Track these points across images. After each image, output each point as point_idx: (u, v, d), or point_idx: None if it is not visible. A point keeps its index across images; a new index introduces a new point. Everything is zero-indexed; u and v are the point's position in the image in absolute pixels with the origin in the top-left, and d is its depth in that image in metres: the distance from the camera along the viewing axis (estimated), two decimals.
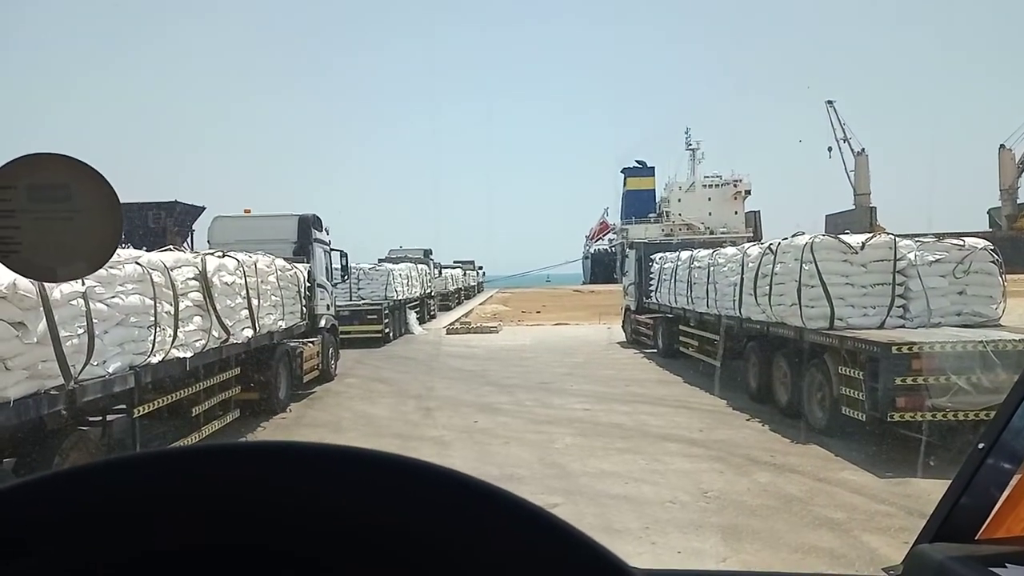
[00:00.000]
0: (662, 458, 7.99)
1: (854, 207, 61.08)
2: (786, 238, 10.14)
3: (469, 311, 35.83)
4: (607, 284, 55.19)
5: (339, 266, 16.19)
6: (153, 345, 6.87)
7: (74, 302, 5.60)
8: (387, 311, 21.63)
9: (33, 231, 1.07)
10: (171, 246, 8.97)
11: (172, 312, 7.28)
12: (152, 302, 6.85)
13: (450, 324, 27.45)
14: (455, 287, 42.40)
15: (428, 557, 0.50)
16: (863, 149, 61.54)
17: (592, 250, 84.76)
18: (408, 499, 0.50)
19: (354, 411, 11.51)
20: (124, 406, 6.75)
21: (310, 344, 12.69)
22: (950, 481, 1.30)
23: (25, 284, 4.96)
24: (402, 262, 27.06)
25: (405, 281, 24.97)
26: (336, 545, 0.51)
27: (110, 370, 6.19)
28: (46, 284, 5.10)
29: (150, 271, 6.92)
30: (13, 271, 1.15)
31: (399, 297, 23.67)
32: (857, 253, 9.24)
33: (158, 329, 6.95)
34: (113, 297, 6.25)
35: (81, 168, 1.09)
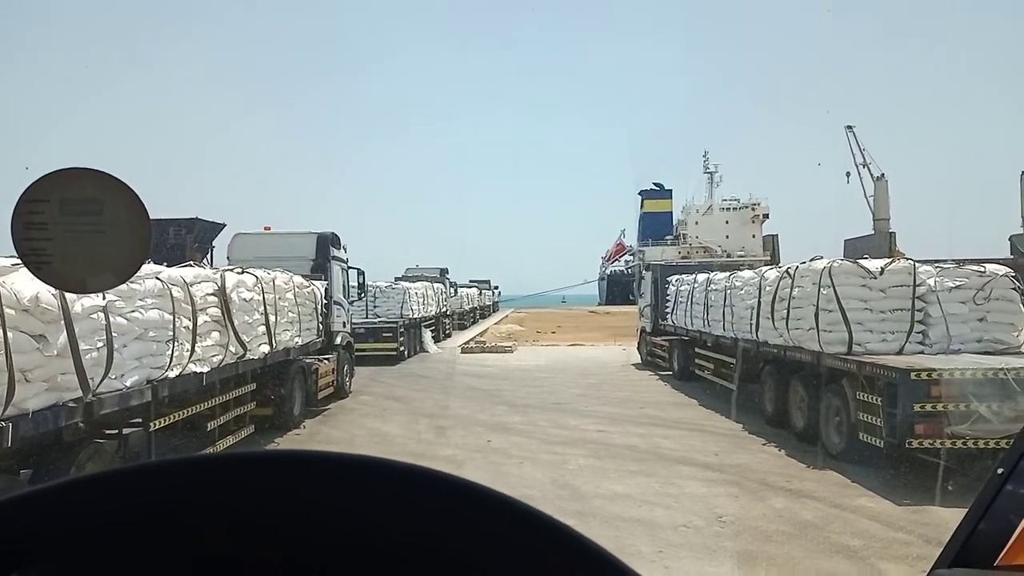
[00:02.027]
0: (676, 481, 7.93)
1: (873, 232, 60.63)
2: (804, 262, 10.09)
3: (484, 330, 35.82)
4: (623, 305, 54.96)
5: (356, 284, 16.30)
6: (171, 359, 6.92)
7: (94, 316, 5.66)
8: (402, 329, 21.70)
9: (64, 244, 1.10)
10: (191, 262, 9.05)
11: (190, 327, 7.33)
12: (171, 317, 6.92)
13: (465, 343, 27.45)
14: (471, 306, 42.46)
15: (445, 568, 0.50)
16: (883, 174, 61.06)
17: (608, 271, 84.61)
18: (424, 510, 0.51)
19: (368, 428, 11.51)
20: (140, 419, 6.80)
21: (325, 361, 12.73)
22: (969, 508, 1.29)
23: (47, 297, 5.02)
24: (418, 281, 27.17)
25: (421, 300, 25.05)
26: (350, 554, 0.51)
27: (128, 383, 6.24)
28: (67, 298, 5.17)
29: (170, 286, 6.99)
30: (45, 283, 1.18)
31: (415, 315, 23.75)
32: (876, 278, 9.18)
33: (176, 344, 7.01)
34: (133, 311, 6.32)
35: (112, 182, 1.12)
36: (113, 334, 5.83)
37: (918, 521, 6.50)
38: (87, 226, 1.11)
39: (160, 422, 6.98)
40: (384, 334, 20.86)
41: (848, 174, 60.24)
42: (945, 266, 9.50)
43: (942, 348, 8.89)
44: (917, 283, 9.13)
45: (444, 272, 35.69)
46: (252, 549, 0.51)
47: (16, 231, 1.09)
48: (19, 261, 4.26)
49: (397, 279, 26.99)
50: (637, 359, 20.39)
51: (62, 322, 5.18)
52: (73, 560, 0.49)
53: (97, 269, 1.13)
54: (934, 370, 7.56)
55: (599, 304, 73.61)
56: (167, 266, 7.59)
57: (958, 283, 9.10)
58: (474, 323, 41.59)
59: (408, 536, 0.50)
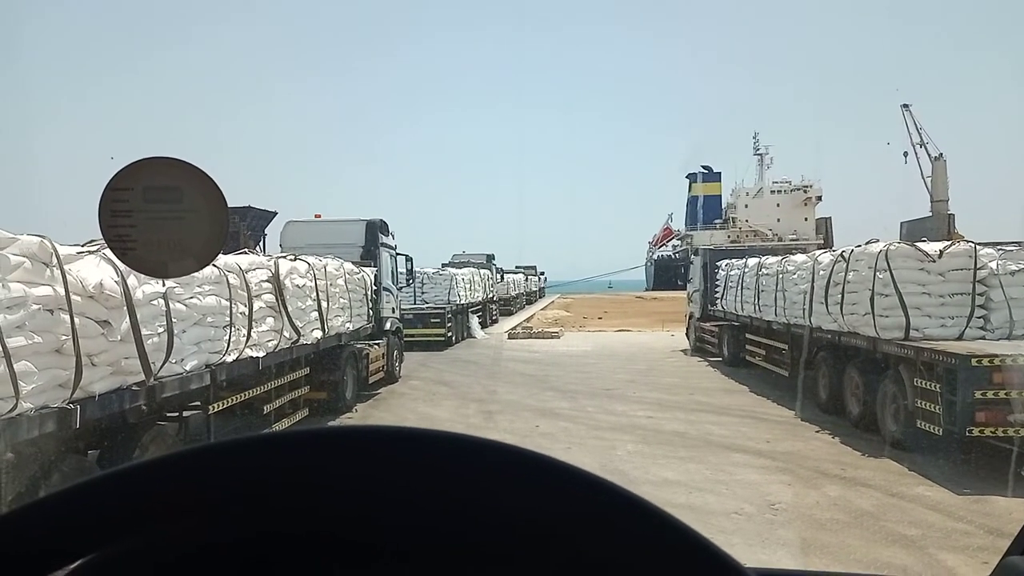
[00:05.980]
0: (727, 468, 7.85)
1: (931, 214, 58.80)
2: (859, 245, 9.86)
3: (531, 316, 35.82)
4: (670, 291, 54.46)
5: (404, 270, 16.47)
6: (228, 344, 7.10)
7: (155, 302, 5.83)
8: (450, 315, 21.85)
9: (147, 230, 1.14)
10: (245, 249, 9.25)
11: (246, 313, 7.50)
12: (228, 303, 7.08)
13: (512, 329, 27.52)
14: (517, 292, 42.47)
15: (547, 554, 0.50)
16: (941, 154, 59.12)
17: (655, 256, 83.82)
18: (539, 495, 0.50)
19: (417, 412, 11.65)
20: (199, 403, 6.98)
21: (376, 346, 12.92)
22: None
23: (110, 284, 5.18)
24: (465, 267, 27.28)
25: (468, 285, 25.17)
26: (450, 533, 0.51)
27: (187, 368, 6.42)
28: (129, 284, 5.33)
29: (226, 273, 7.16)
30: (129, 267, 1.23)
31: (462, 301, 23.88)
32: (935, 261, 8.93)
33: (233, 329, 7.18)
34: (191, 298, 6.48)
35: (192, 171, 1.16)
36: (173, 320, 6.00)
37: (979, 511, 6.34)
38: (168, 213, 1.15)
39: (219, 405, 7.17)
40: (432, 320, 21.06)
41: (905, 154, 58.40)
42: (1008, 248, 9.19)
43: (1004, 333, 8.64)
44: (978, 266, 8.86)
45: (490, 258, 35.71)
46: (351, 528, 0.52)
47: (103, 219, 1.14)
48: (83, 248, 4.40)
49: (444, 265, 27.13)
50: (685, 345, 20.19)
51: (125, 308, 5.34)
52: (144, 542, 0.49)
53: (178, 255, 1.17)
54: (996, 356, 7.34)
55: (646, 289, 72.98)
56: (222, 253, 7.77)
57: (1021, 266, 8.80)
58: (520, 309, 41.59)
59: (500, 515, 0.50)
